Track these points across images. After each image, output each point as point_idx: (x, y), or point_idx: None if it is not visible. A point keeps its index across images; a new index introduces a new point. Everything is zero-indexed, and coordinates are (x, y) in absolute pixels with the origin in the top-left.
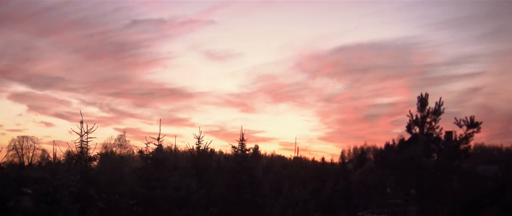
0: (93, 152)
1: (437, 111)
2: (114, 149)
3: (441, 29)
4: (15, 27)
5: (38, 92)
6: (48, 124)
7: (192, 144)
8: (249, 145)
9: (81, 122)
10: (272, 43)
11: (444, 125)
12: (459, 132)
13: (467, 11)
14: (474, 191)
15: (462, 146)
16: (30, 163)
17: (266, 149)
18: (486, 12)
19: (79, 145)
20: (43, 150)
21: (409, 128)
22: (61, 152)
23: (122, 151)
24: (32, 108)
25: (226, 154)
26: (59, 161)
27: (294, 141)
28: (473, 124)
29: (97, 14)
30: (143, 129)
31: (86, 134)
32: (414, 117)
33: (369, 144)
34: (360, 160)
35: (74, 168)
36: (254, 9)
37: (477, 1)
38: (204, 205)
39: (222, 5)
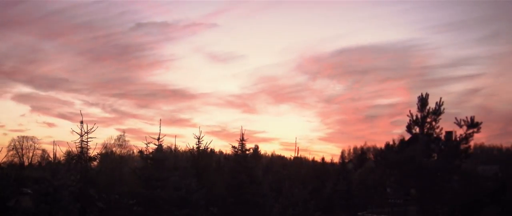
0: (93, 152)
1: (437, 111)
2: (114, 149)
3: (441, 31)
4: (22, 30)
5: (42, 93)
6: (50, 125)
7: (192, 144)
8: (249, 145)
9: (81, 122)
10: (274, 46)
11: (444, 125)
12: (459, 132)
13: (466, 14)
14: (474, 191)
15: (462, 146)
16: (30, 163)
17: (267, 149)
18: (485, 15)
19: (79, 145)
20: (43, 150)
21: (409, 128)
22: (61, 152)
23: (122, 151)
24: (35, 108)
25: (226, 154)
26: (59, 161)
27: (295, 142)
28: (473, 124)
29: (103, 17)
30: (145, 130)
31: (86, 134)
32: (414, 117)
33: (369, 144)
34: (360, 160)
35: (74, 168)
36: (256, 13)
37: (476, 4)
38: (204, 205)
39: (224, 9)
